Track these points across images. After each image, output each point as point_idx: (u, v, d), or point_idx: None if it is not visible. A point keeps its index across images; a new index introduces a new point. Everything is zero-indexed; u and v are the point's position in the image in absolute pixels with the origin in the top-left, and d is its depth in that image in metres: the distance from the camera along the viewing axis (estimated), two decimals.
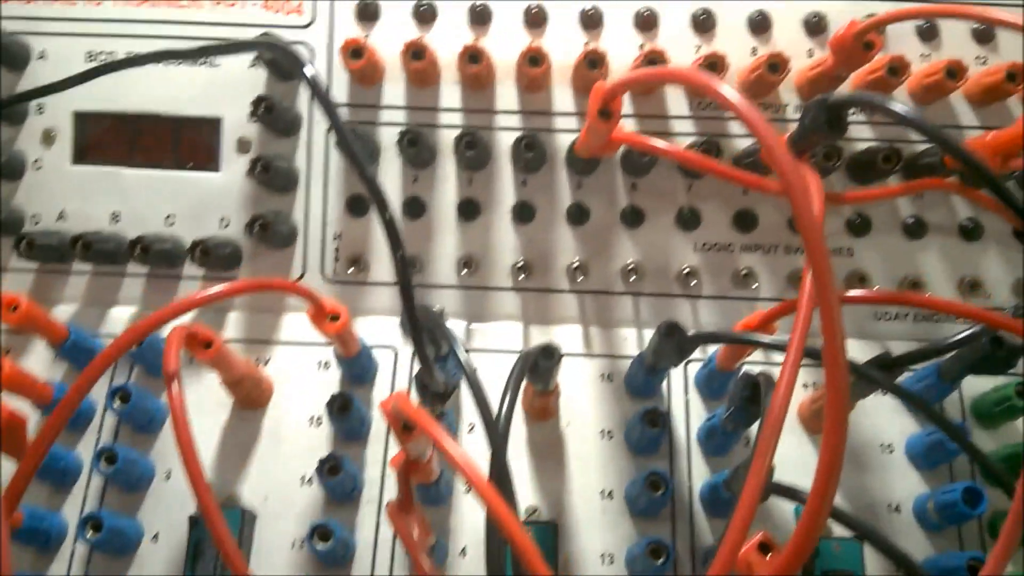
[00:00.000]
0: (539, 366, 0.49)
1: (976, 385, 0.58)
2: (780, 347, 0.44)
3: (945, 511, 0.52)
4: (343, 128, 0.41)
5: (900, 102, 0.41)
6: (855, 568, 0.51)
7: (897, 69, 0.56)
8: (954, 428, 0.49)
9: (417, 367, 0.48)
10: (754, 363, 0.58)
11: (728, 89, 0.36)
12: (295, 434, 0.57)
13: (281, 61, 0.59)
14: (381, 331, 0.60)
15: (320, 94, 0.43)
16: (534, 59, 0.57)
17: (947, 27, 0.62)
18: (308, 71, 0.43)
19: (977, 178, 0.41)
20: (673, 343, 0.50)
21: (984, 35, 0.62)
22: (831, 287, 0.34)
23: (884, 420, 0.58)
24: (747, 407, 0.47)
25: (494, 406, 0.43)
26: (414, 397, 0.49)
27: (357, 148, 0.41)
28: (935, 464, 0.56)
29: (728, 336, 0.50)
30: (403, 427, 0.41)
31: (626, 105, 0.62)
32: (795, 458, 0.54)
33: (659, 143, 0.47)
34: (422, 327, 0.43)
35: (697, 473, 0.56)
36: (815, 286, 0.34)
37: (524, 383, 0.55)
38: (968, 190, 0.58)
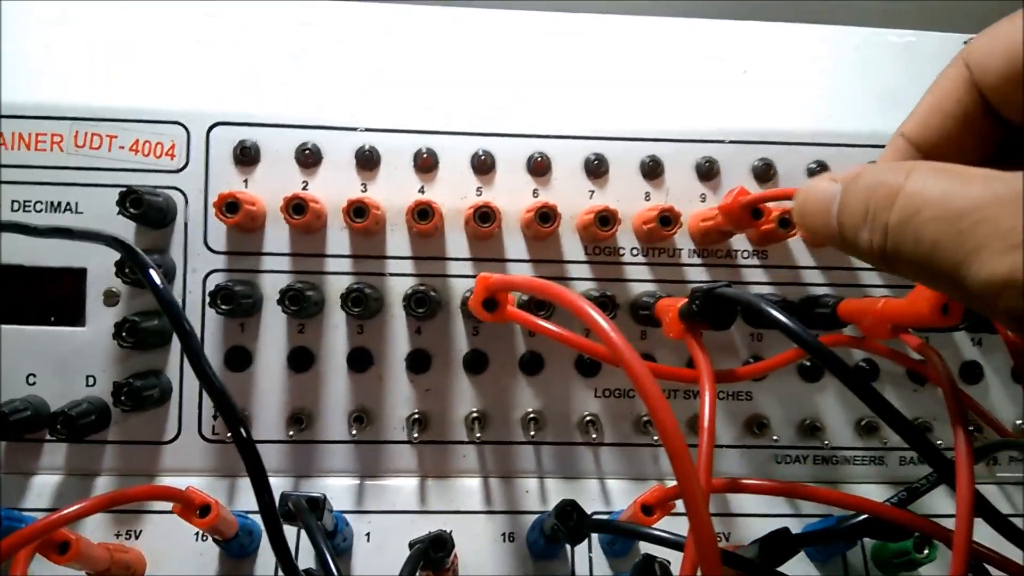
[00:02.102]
0: (431, 559, 0.46)
1: None
2: (678, 546, 0.43)
3: None
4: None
5: (777, 309, 0.40)
6: None
7: (788, 222, 0.56)
8: None
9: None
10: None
11: (606, 324, 0.35)
12: None
13: (148, 205, 0.55)
14: None
15: (167, 306, 0.39)
16: (423, 213, 0.55)
17: (837, 168, 0.63)
18: (154, 277, 0.39)
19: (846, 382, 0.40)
20: (571, 526, 0.47)
21: None
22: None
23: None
24: None
25: None
26: None
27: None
28: None
29: (626, 530, 0.48)
30: None
31: (521, 249, 0.60)
32: None
33: (550, 327, 0.45)
34: (287, 551, 0.40)
35: None
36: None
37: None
38: (864, 343, 0.58)
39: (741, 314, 0.54)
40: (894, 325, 0.50)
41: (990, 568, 0.45)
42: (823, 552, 0.57)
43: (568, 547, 0.56)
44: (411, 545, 0.46)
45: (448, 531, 0.47)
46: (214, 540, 0.52)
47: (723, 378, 0.49)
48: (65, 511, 0.40)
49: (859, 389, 0.39)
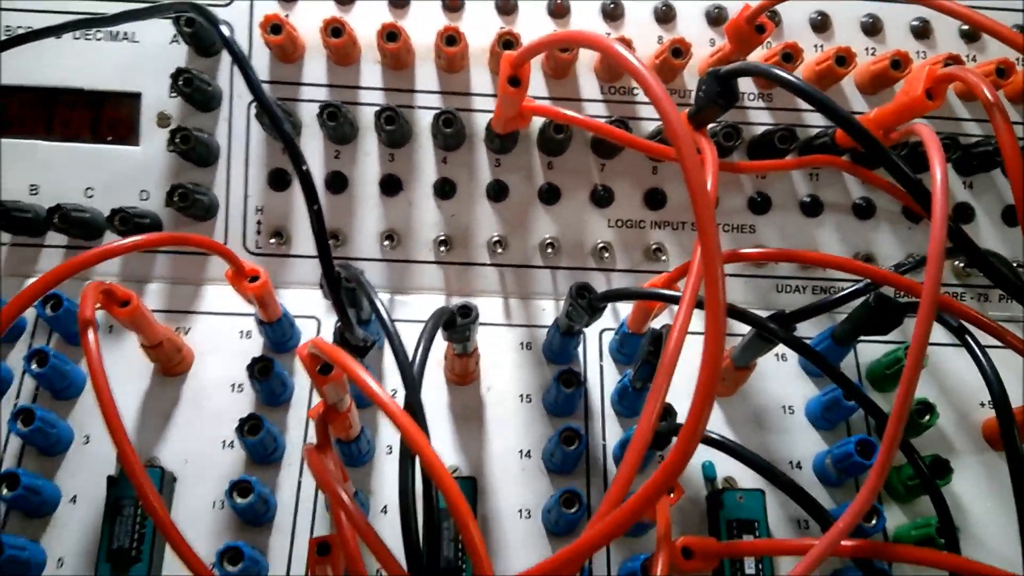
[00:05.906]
0: (457, 323, 0.50)
1: (870, 353, 0.62)
2: (676, 299, 0.47)
3: (841, 463, 0.55)
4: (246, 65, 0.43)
5: (784, 71, 0.44)
6: (758, 517, 0.54)
7: (791, 55, 0.61)
8: (844, 378, 0.52)
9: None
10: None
11: (625, 51, 0.39)
12: (216, 399, 0.58)
13: (200, 27, 0.59)
14: (304, 302, 0.61)
15: (230, 47, 0.44)
16: (450, 39, 0.60)
17: (838, 19, 0.68)
18: (223, 30, 0.44)
19: (859, 141, 0.44)
20: (585, 302, 0.52)
21: (872, 27, 0.67)
22: (712, 226, 0.35)
23: (785, 383, 0.61)
24: (651, 360, 0.50)
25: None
26: None
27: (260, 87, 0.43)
28: (833, 423, 0.59)
29: (632, 292, 0.52)
30: (319, 369, 0.42)
31: (541, 88, 0.65)
32: None
33: (567, 112, 0.50)
34: (339, 277, 0.45)
35: (611, 433, 0.58)
36: (699, 233, 0.36)
37: (445, 346, 0.57)
38: (858, 168, 0.62)
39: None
40: (886, 129, 0.54)
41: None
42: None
43: (580, 352, 0.61)
44: None
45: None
46: (259, 326, 0.57)
47: (726, 168, 0.54)
48: (125, 240, 0.45)
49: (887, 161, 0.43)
